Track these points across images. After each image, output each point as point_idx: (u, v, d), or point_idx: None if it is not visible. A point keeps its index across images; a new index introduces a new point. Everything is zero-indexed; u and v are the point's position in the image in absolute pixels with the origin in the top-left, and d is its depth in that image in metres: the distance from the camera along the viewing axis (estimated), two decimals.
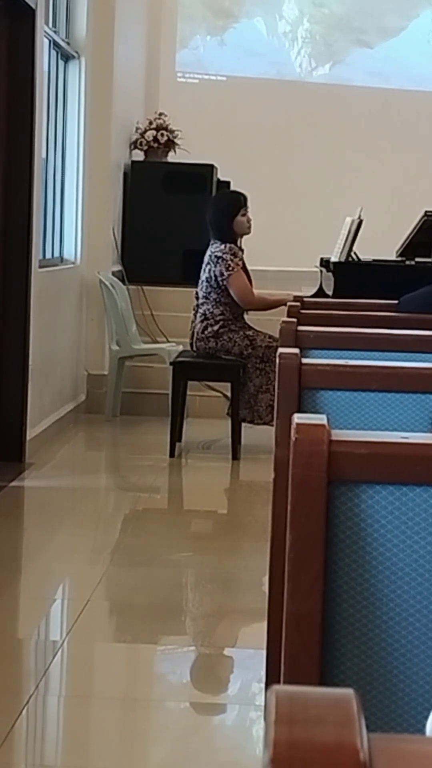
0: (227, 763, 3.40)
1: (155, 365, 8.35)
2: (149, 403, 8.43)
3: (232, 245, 7.24)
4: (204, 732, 3.63)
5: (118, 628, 4.58)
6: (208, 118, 10.58)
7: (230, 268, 7.16)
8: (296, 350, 2.43)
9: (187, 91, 10.87)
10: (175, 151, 9.62)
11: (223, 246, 7.21)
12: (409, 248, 7.12)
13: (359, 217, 7.16)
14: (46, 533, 5.68)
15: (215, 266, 7.21)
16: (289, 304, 4.37)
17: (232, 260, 7.17)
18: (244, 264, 7.31)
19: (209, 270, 7.25)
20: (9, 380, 6.86)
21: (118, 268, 9.12)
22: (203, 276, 7.30)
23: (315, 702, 0.73)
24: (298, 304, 4.39)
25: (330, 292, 6.87)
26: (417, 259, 7.11)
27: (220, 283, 7.20)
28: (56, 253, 8.37)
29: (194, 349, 7.33)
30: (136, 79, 10.09)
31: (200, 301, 7.32)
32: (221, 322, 7.23)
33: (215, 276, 7.21)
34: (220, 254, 7.20)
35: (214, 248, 7.26)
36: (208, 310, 7.26)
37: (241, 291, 7.20)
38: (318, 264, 7.61)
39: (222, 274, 7.18)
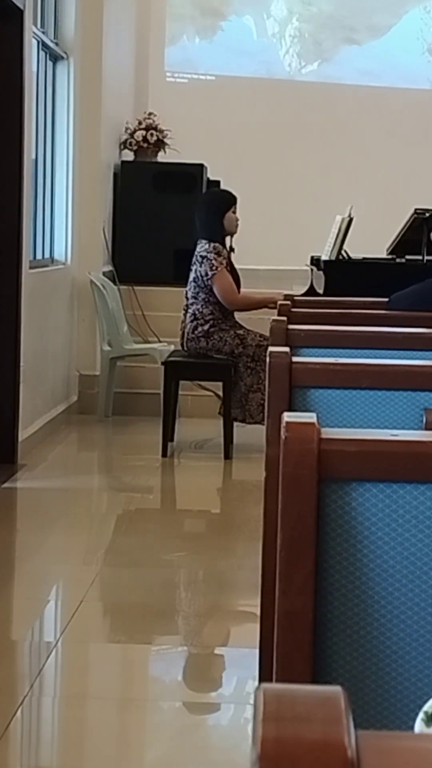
0: (222, 762, 3.41)
1: (147, 365, 8.35)
2: (141, 403, 8.44)
3: (217, 245, 7.24)
4: (199, 731, 3.63)
5: (111, 629, 4.58)
6: (198, 117, 10.58)
7: (214, 268, 7.16)
8: (287, 349, 2.43)
9: (176, 90, 10.87)
10: (164, 151, 9.61)
11: (208, 245, 7.22)
12: (400, 246, 7.12)
13: (349, 216, 7.16)
14: (39, 534, 5.68)
15: (200, 266, 7.22)
16: (279, 302, 4.37)
17: (215, 260, 7.18)
18: (230, 263, 7.31)
19: (196, 270, 7.26)
20: (0, 381, 6.85)
21: (108, 268, 9.12)
22: (191, 276, 7.31)
23: (303, 700, 0.73)
24: (288, 302, 4.39)
25: (321, 291, 6.88)
26: (407, 257, 7.11)
27: (206, 282, 7.21)
28: (47, 254, 8.37)
29: (185, 348, 7.34)
30: (126, 79, 10.08)
31: (189, 301, 7.32)
32: (211, 322, 7.24)
33: (201, 276, 7.22)
34: (205, 254, 7.21)
35: (200, 248, 7.27)
36: (198, 309, 7.26)
37: (225, 291, 7.20)
38: (309, 262, 7.62)
39: (206, 274, 7.19)
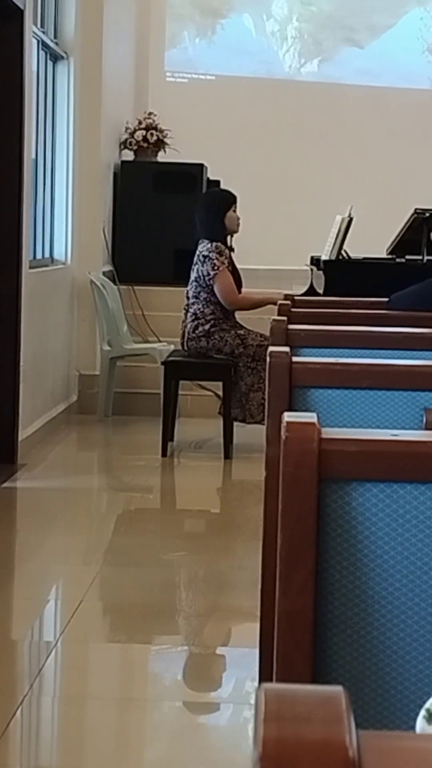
0: (222, 761, 3.41)
1: (147, 365, 8.35)
2: (141, 403, 8.43)
3: (219, 244, 7.24)
4: (198, 731, 3.63)
5: (111, 629, 4.58)
6: (198, 117, 10.58)
7: (216, 268, 7.17)
8: (287, 348, 2.43)
9: (176, 90, 10.87)
10: (164, 151, 9.61)
11: (210, 245, 7.22)
12: (399, 246, 7.12)
13: (349, 215, 7.16)
14: (38, 534, 5.68)
15: (202, 265, 7.22)
16: (279, 302, 4.36)
17: (217, 259, 7.18)
18: (232, 263, 7.31)
19: (197, 269, 7.27)
20: (0, 381, 6.85)
21: (108, 268, 9.12)
22: (192, 275, 7.31)
23: (304, 699, 0.73)
24: (288, 302, 4.39)
25: (321, 291, 6.88)
26: (407, 257, 7.11)
27: (208, 282, 7.21)
28: (47, 254, 8.37)
29: (185, 348, 7.33)
30: (126, 79, 10.08)
31: (190, 300, 7.32)
32: (212, 322, 7.24)
33: (203, 275, 7.22)
34: (206, 253, 7.21)
35: (202, 247, 7.27)
36: (199, 309, 7.26)
37: (225, 291, 7.21)
38: (308, 262, 7.62)
39: (208, 274, 7.19)
